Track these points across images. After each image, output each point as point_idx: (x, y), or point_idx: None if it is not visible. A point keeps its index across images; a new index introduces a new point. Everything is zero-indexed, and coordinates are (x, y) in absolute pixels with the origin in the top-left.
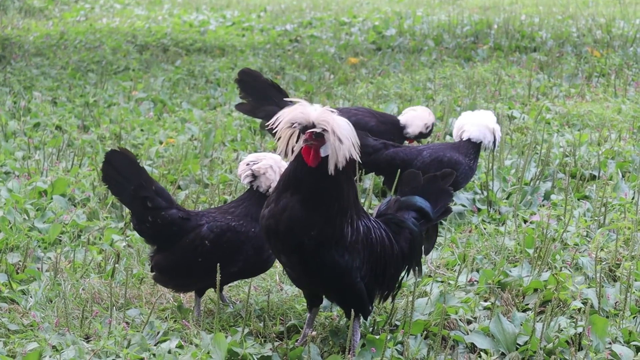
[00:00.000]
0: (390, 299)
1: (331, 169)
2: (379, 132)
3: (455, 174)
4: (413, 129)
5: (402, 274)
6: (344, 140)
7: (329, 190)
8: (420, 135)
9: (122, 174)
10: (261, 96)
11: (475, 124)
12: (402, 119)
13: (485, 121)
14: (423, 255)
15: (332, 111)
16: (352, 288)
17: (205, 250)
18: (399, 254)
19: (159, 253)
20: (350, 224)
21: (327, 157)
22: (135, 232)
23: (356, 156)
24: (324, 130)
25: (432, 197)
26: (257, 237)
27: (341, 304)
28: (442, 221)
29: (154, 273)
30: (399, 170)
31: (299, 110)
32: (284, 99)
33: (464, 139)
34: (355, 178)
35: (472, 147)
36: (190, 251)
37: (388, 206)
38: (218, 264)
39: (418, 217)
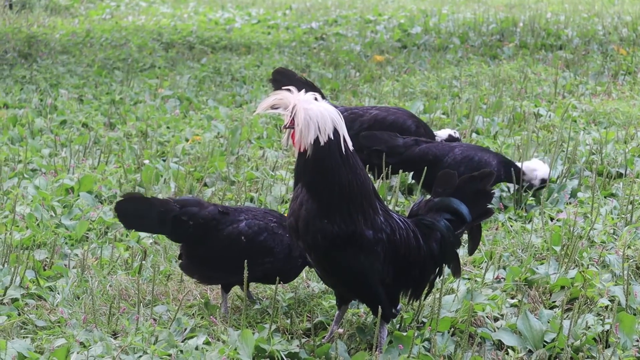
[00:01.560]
0: (418, 299)
1: (296, 149)
2: (416, 134)
3: (494, 175)
4: (443, 132)
5: (433, 276)
6: (305, 122)
7: (325, 174)
8: (450, 139)
9: (139, 215)
10: None
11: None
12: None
13: (534, 166)
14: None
15: (314, 96)
16: (369, 290)
17: (240, 246)
18: (428, 255)
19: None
20: (367, 224)
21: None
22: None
23: (324, 139)
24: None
25: (469, 199)
26: (288, 245)
27: (364, 303)
28: None
29: (181, 261)
30: (431, 165)
31: (280, 96)
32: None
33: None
34: (366, 169)
35: (508, 166)
36: (225, 245)
37: (419, 207)
38: (246, 261)
39: (453, 219)
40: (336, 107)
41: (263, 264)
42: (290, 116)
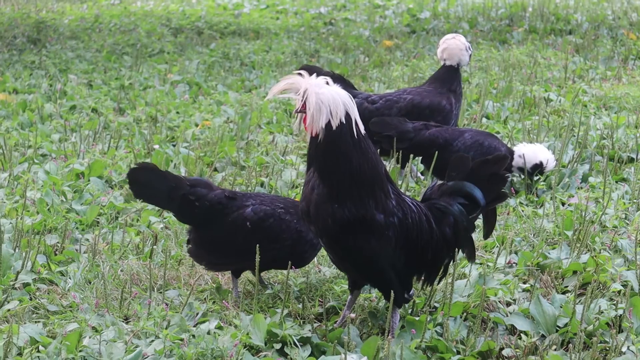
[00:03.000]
0: (432, 284)
1: (308, 133)
2: (449, 115)
3: (508, 159)
4: (453, 59)
5: (446, 260)
6: (317, 106)
7: (336, 158)
8: (470, 55)
9: (150, 186)
10: None
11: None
12: (441, 55)
13: (535, 150)
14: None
15: (325, 80)
16: (380, 274)
17: (245, 231)
18: (440, 239)
19: (199, 229)
20: (378, 208)
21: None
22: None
23: (335, 123)
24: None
25: (483, 183)
26: (297, 230)
27: (376, 288)
28: None
29: (190, 246)
30: (441, 149)
31: (291, 80)
32: (351, 89)
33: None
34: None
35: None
36: (231, 230)
37: (432, 191)
38: (257, 246)
39: (466, 203)
40: (370, 95)
41: (270, 250)
42: (302, 100)
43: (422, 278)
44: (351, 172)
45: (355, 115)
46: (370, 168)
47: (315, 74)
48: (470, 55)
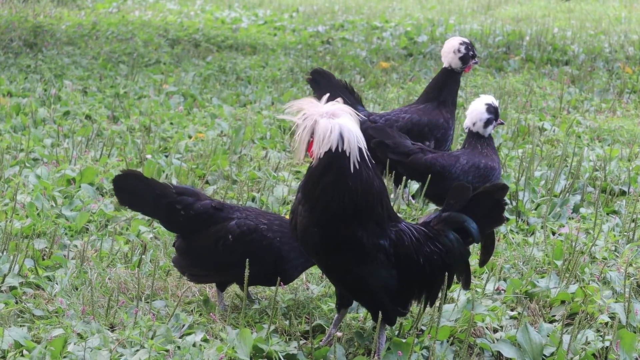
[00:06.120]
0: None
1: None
2: (447, 129)
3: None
4: (448, 60)
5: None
6: (325, 134)
7: (331, 187)
8: (464, 59)
9: (136, 193)
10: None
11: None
12: (442, 57)
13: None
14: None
15: (337, 105)
16: (371, 294)
17: (226, 244)
18: (437, 260)
19: (184, 238)
20: (367, 232)
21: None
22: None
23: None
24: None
25: (482, 213)
26: (277, 249)
27: (366, 307)
28: None
29: (174, 255)
30: (439, 175)
31: (305, 103)
32: (358, 103)
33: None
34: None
35: (475, 138)
36: (214, 241)
37: (430, 219)
38: (247, 260)
39: (462, 235)
40: (371, 114)
41: (250, 265)
42: (309, 126)
43: (421, 299)
44: (343, 199)
45: (361, 146)
46: (372, 197)
47: (327, 80)
48: (463, 57)
